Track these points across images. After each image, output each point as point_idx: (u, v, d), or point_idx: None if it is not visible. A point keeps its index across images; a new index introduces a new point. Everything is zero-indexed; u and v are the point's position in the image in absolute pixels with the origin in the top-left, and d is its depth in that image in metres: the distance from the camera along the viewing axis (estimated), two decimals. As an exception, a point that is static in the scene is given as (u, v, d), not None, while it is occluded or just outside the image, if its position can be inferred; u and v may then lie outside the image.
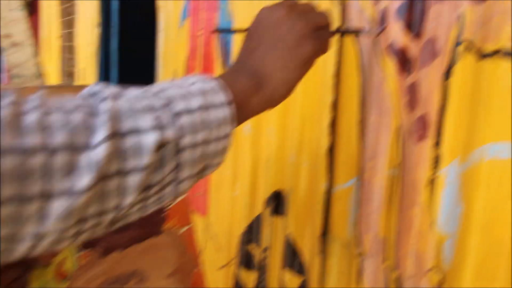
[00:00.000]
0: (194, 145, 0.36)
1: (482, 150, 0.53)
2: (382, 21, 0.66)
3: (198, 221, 1.30)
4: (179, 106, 0.36)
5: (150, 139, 0.32)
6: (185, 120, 0.35)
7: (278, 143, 0.93)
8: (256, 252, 1.02)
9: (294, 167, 0.88)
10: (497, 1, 0.51)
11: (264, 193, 0.99)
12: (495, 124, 0.52)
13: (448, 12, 0.57)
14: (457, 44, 0.56)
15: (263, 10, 0.47)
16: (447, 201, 0.58)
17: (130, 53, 2.16)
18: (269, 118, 0.94)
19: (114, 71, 2.21)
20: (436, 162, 0.60)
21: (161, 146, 0.33)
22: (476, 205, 0.54)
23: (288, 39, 0.45)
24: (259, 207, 1.01)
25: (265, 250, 0.99)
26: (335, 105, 0.76)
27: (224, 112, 0.39)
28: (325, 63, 0.77)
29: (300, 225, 0.87)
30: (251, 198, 1.04)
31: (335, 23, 0.72)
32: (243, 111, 0.42)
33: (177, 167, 0.35)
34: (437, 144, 0.59)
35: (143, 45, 1.82)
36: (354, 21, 0.72)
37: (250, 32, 0.47)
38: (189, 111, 0.36)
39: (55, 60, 3.30)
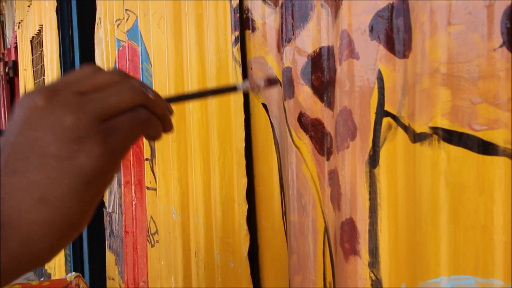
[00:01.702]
0: None
1: (437, 286, 0.33)
2: (289, 83, 0.48)
3: (144, 316, 1.09)
4: None
5: None
6: None
7: (205, 234, 0.74)
8: None
9: (221, 267, 0.68)
10: (420, 55, 0.33)
11: (198, 293, 0.79)
12: (451, 248, 0.32)
13: (362, 71, 0.38)
14: (379, 117, 0.37)
15: (22, 97, 0.29)
16: None
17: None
18: (195, 201, 0.75)
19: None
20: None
21: None
22: None
23: (50, 147, 0.26)
24: (194, 311, 0.80)
25: None
26: (251, 193, 0.57)
27: None
28: (235, 137, 0.59)
29: None
30: (186, 298, 0.83)
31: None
32: None
33: None
34: (373, 264, 0.39)
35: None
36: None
37: (4, 136, 0.29)
38: None
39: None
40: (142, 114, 0.29)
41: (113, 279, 1.40)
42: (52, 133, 0.26)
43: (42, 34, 2.59)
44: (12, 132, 0.27)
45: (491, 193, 0.30)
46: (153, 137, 0.32)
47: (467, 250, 0.31)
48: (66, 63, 2.14)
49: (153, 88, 0.32)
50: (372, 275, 0.40)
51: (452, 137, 0.31)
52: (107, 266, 1.43)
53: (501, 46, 0.29)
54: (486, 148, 0.30)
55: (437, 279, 0.33)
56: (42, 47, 2.60)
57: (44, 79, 2.66)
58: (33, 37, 2.98)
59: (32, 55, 3.07)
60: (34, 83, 3.04)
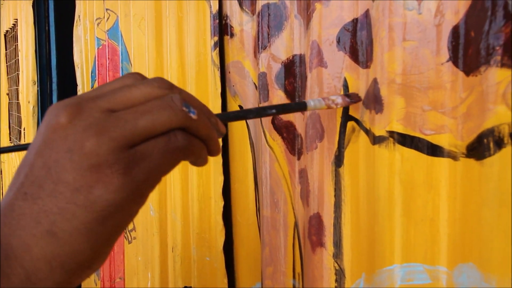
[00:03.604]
0: None
1: (391, 272, 0.37)
2: (264, 87, 0.51)
3: (120, 312, 1.10)
4: None
5: None
6: None
7: (182, 230, 0.76)
8: None
9: (197, 262, 0.71)
10: (379, 66, 0.37)
11: (174, 286, 0.81)
12: (403, 239, 0.36)
13: (329, 78, 0.42)
14: (344, 121, 0.41)
15: (49, 109, 0.25)
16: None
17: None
18: (173, 198, 0.78)
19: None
20: (339, 277, 0.43)
21: None
22: None
23: (65, 174, 0.23)
24: (170, 305, 0.83)
25: None
26: (227, 190, 0.60)
27: None
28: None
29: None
30: (162, 293, 0.85)
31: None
32: None
33: None
34: (337, 255, 0.43)
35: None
36: (238, 86, 0.58)
37: (26, 155, 0.25)
38: None
39: (4, 118, 3.12)
40: (179, 139, 0.25)
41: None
42: (70, 158, 0.23)
43: (17, 29, 2.54)
44: (32, 152, 0.24)
45: (438, 190, 0.34)
46: (196, 163, 0.28)
47: (417, 240, 0.36)
48: (42, 59, 2.11)
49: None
50: (336, 265, 0.43)
51: (405, 140, 0.35)
52: (82, 263, 1.43)
53: (447, 61, 0.33)
54: (434, 150, 0.34)
55: (391, 266, 0.37)
56: (17, 42, 2.56)
57: (18, 74, 2.61)
58: (7, 31, 2.92)
59: (6, 50, 3.01)
60: (8, 78, 2.98)
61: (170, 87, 0.26)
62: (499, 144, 0.30)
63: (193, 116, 0.25)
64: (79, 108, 0.24)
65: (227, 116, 0.32)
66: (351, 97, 0.38)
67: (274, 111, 0.34)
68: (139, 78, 0.27)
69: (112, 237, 0.24)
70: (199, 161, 0.27)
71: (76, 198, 0.23)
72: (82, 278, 0.25)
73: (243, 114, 0.34)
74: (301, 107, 0.35)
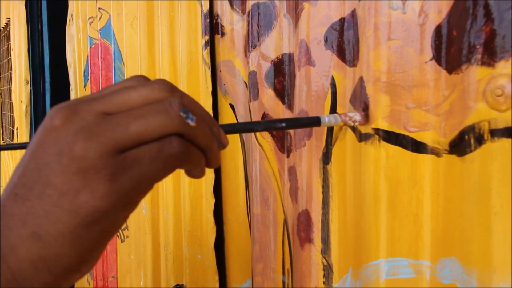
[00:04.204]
0: None
1: (376, 267, 0.38)
2: (254, 86, 0.52)
3: (112, 311, 1.10)
4: None
5: None
6: None
7: (174, 228, 0.76)
8: None
9: (189, 260, 0.71)
10: (365, 65, 0.37)
11: (166, 285, 0.81)
12: (388, 234, 0.37)
13: (317, 77, 0.43)
14: (332, 119, 0.42)
15: (49, 112, 0.25)
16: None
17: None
18: (165, 196, 0.78)
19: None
20: (327, 272, 0.44)
21: None
22: None
23: (53, 176, 0.23)
24: (163, 303, 0.83)
25: None
26: (218, 188, 0.61)
27: None
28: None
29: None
30: (154, 291, 0.86)
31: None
32: None
33: None
34: (324, 251, 0.44)
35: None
36: (229, 84, 0.58)
37: (22, 157, 0.25)
38: None
39: (-4, 118, 3.10)
40: (174, 145, 0.24)
41: (81, 276, 1.40)
42: (59, 161, 0.23)
43: (9, 28, 2.53)
44: (27, 153, 0.24)
45: (422, 186, 0.35)
46: (192, 174, 0.26)
47: (402, 235, 0.36)
48: (35, 58, 2.11)
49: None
50: (324, 260, 0.44)
51: (390, 137, 0.36)
52: (75, 263, 1.43)
53: (431, 60, 0.34)
54: (418, 147, 0.35)
55: (377, 261, 0.38)
56: (9, 41, 2.54)
57: (10, 73, 2.59)
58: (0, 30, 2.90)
59: (-1, 49, 2.99)
60: (0, 77, 2.96)
61: (171, 90, 0.25)
62: (480, 140, 0.30)
63: (191, 123, 0.24)
64: (74, 110, 0.24)
65: (233, 128, 0.32)
66: (367, 111, 0.38)
67: (284, 125, 0.33)
68: (142, 80, 0.26)
69: (100, 242, 0.24)
70: (196, 172, 0.26)
71: (62, 202, 0.22)
72: (72, 280, 0.24)
73: (251, 127, 0.33)
74: (314, 122, 0.34)
